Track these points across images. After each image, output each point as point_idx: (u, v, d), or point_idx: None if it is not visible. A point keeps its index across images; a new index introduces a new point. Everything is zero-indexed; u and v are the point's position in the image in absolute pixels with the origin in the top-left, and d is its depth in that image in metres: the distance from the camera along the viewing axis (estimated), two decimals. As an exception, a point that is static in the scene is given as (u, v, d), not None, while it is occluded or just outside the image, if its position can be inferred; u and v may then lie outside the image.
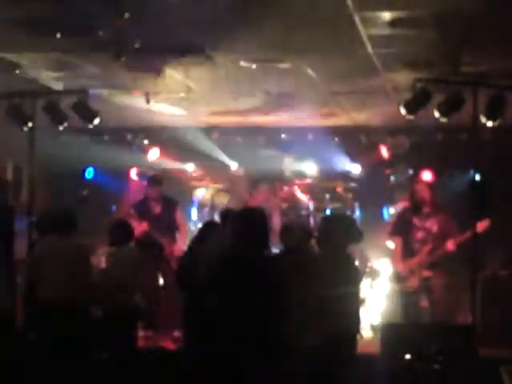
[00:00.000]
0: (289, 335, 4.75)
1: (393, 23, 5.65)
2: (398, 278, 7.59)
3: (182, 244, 7.99)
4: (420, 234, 7.52)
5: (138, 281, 6.66)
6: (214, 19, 5.57)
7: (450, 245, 7.35)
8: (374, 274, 9.15)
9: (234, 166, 10.59)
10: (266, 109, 9.11)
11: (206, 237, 6.19)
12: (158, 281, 8.22)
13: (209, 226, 6.55)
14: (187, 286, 6.03)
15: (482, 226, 7.23)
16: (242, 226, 4.84)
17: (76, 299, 6.15)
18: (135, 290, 6.63)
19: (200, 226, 7.17)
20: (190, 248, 6.42)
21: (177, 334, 7.46)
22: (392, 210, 9.77)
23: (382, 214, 9.99)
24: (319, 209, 9.61)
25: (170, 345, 7.56)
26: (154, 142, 10.54)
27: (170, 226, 8.37)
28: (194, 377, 5.64)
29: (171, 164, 10.54)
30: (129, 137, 10.49)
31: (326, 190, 9.97)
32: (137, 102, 8.30)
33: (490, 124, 7.36)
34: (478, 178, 7.32)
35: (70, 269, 6.19)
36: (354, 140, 10.19)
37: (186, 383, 6.05)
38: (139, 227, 8.11)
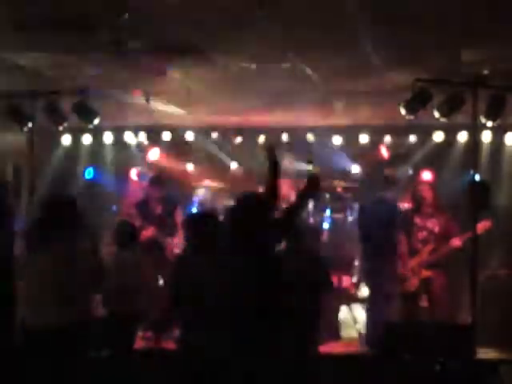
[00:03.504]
0: None
1: (393, 23, 5.66)
2: (398, 278, 7.58)
3: (182, 244, 8.00)
4: (422, 234, 7.51)
5: (139, 281, 6.67)
6: (214, 19, 5.58)
7: (456, 241, 7.32)
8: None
9: (233, 166, 10.60)
10: (266, 109, 9.11)
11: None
12: (158, 281, 8.22)
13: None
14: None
15: (483, 226, 7.23)
16: None
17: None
18: (136, 291, 6.63)
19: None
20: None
21: (177, 333, 7.46)
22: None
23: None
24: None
25: (169, 345, 7.56)
26: (153, 142, 10.55)
27: (170, 226, 8.39)
28: (194, 376, 5.63)
29: (171, 164, 10.55)
30: (129, 137, 10.49)
31: (325, 189, 9.96)
32: (137, 102, 8.31)
33: (489, 124, 7.38)
34: (477, 177, 7.33)
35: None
36: (354, 140, 10.19)
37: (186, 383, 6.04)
38: (146, 232, 8.16)
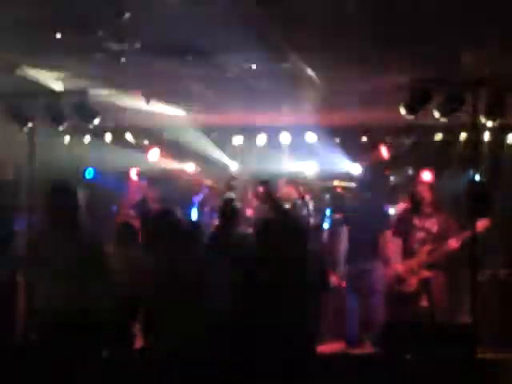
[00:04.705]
0: None
1: (393, 23, 5.67)
2: (398, 278, 7.59)
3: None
4: (420, 235, 7.50)
5: (139, 281, 6.66)
6: (213, 19, 5.58)
7: (454, 242, 7.31)
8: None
9: (233, 166, 10.61)
10: (266, 109, 9.11)
11: None
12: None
13: None
14: None
15: (482, 224, 7.22)
16: None
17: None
18: (136, 290, 6.63)
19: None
20: None
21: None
22: (392, 211, 9.76)
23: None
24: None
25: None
26: (153, 141, 10.55)
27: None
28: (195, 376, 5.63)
29: (171, 164, 10.55)
30: (129, 137, 10.49)
31: (325, 189, 9.96)
32: (137, 102, 8.31)
33: (489, 124, 7.37)
34: (477, 178, 7.32)
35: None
36: (353, 140, 10.20)
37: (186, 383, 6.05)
38: None
